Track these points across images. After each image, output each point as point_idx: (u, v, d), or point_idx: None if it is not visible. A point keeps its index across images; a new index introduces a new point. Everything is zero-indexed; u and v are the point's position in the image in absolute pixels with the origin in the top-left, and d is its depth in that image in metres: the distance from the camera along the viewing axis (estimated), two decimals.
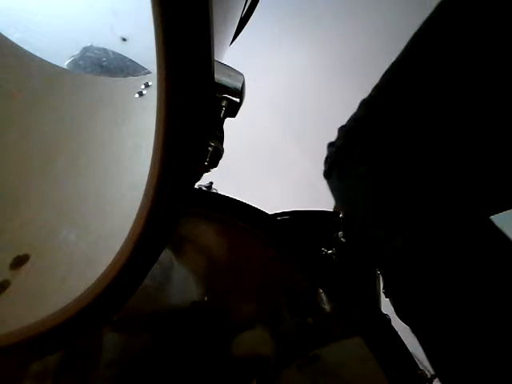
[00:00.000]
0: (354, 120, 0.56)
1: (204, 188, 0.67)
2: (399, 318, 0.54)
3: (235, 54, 0.56)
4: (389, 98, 0.53)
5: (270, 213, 0.56)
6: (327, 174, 0.57)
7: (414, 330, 0.46)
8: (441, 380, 0.45)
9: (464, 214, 0.46)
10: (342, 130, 0.57)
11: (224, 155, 0.30)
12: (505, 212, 0.51)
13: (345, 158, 0.54)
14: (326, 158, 0.58)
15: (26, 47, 0.50)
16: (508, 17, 0.46)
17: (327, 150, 0.59)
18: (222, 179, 0.62)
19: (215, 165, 0.30)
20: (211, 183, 0.68)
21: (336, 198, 0.58)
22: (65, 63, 0.53)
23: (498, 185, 0.51)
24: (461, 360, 0.42)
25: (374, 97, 0.55)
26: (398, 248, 0.45)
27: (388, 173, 0.50)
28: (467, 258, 0.43)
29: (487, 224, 0.45)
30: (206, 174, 0.31)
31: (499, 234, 0.44)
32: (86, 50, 0.54)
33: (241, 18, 0.65)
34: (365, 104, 0.56)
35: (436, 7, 0.52)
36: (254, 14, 0.74)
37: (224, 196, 0.55)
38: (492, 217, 0.47)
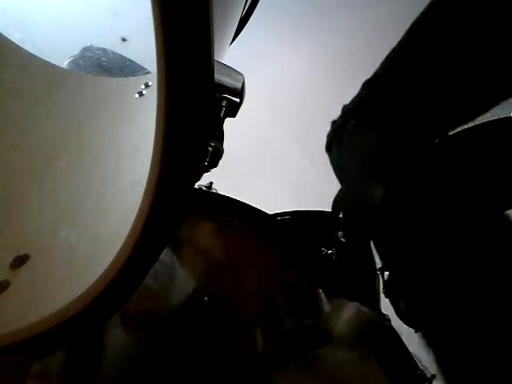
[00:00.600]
0: (355, 100, 0.60)
1: (204, 188, 0.67)
2: (399, 318, 0.54)
3: (235, 54, 0.56)
4: (389, 79, 0.56)
5: (269, 213, 0.56)
6: (328, 148, 0.60)
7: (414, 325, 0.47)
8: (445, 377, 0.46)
9: (445, 171, 0.47)
10: (344, 108, 0.60)
11: (224, 155, 0.30)
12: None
13: (342, 132, 0.57)
14: (328, 134, 0.61)
15: (26, 47, 0.50)
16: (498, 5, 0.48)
17: (330, 127, 0.62)
18: (222, 179, 0.62)
19: (215, 165, 0.30)
20: (211, 183, 0.68)
21: (334, 168, 0.60)
22: (65, 63, 0.53)
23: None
24: (460, 354, 0.42)
25: (376, 78, 0.58)
26: (379, 200, 0.47)
27: (375, 141, 0.52)
28: (446, 211, 0.44)
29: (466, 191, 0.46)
30: (205, 174, 0.31)
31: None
32: (85, 49, 0.54)
33: (241, 18, 0.65)
34: (367, 84, 0.59)
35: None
36: (254, 13, 0.74)
37: (224, 196, 0.55)
38: None
